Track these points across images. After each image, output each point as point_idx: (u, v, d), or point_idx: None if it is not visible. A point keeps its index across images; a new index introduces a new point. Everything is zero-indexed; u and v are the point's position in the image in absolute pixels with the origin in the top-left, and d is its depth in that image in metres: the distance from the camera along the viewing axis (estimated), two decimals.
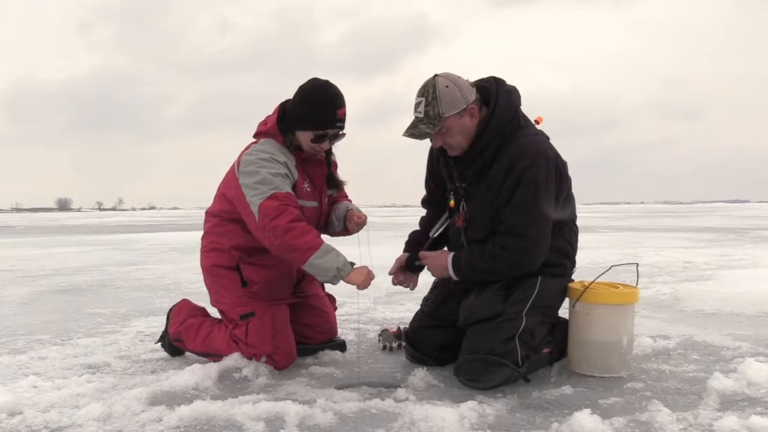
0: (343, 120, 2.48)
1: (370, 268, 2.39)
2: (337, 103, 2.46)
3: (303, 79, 2.53)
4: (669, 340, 3.05)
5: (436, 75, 2.36)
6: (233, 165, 2.57)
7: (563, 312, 2.56)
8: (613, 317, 2.41)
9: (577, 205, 2.57)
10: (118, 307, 4.29)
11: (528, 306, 2.34)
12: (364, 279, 2.35)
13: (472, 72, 2.45)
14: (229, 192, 2.53)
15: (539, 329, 2.38)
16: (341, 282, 2.36)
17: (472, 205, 2.46)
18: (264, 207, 2.35)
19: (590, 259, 6.72)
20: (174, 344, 2.79)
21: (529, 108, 2.47)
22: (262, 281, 2.59)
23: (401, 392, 2.21)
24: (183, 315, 2.79)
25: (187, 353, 2.80)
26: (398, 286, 2.69)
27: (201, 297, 3.01)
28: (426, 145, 2.59)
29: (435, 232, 2.62)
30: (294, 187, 2.50)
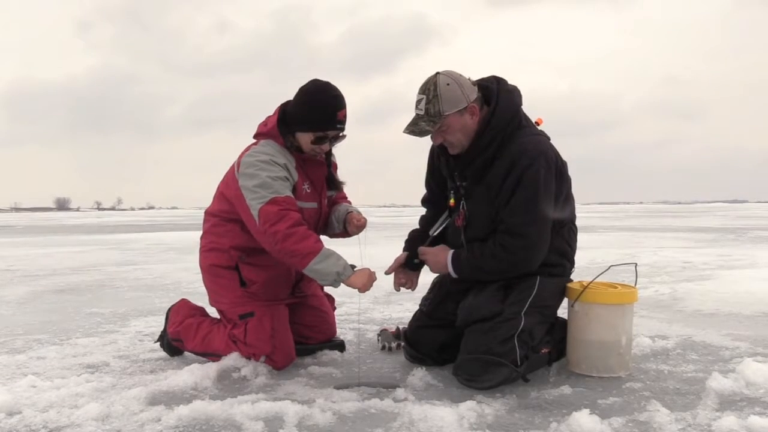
0: (343, 121, 2.47)
1: (372, 270, 2.39)
2: (338, 105, 2.46)
3: (302, 79, 2.53)
4: (668, 340, 3.05)
5: (437, 72, 2.36)
6: (233, 165, 2.57)
7: (562, 312, 2.56)
8: (611, 317, 2.42)
9: (576, 205, 2.57)
10: (117, 307, 4.28)
11: (527, 306, 2.34)
12: (365, 282, 2.37)
13: (472, 72, 2.45)
14: (229, 192, 2.53)
15: (538, 329, 2.38)
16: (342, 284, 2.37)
17: (472, 204, 2.46)
18: (264, 212, 2.35)
19: (589, 259, 6.72)
20: (173, 344, 2.79)
21: (527, 108, 2.47)
22: (261, 281, 2.59)
23: (400, 392, 2.21)
24: (182, 315, 2.79)
25: (186, 353, 2.80)
26: (401, 288, 2.69)
27: (200, 297, 3.01)
28: (426, 144, 2.59)
29: (435, 231, 2.62)
30: (294, 189, 2.50)
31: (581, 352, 2.47)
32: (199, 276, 2.76)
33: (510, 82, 2.47)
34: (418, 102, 2.35)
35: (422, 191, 2.79)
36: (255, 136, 2.58)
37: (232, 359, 2.55)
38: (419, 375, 2.40)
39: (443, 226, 2.62)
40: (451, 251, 2.47)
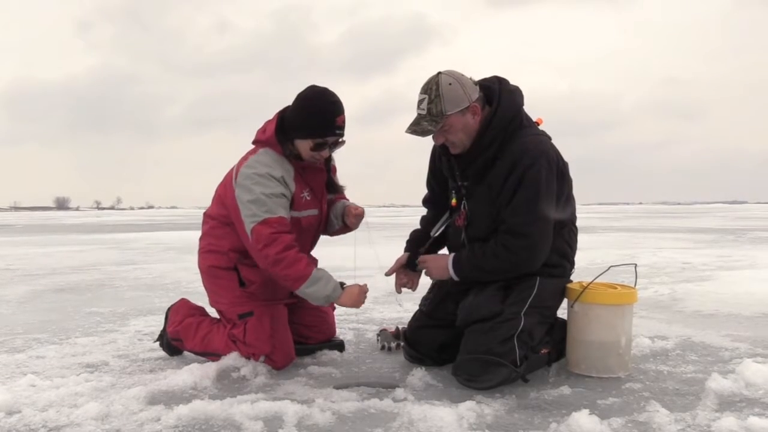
0: (342, 127, 2.45)
1: (362, 285, 2.42)
2: (336, 111, 2.44)
3: (302, 79, 2.53)
4: (667, 340, 3.05)
5: (439, 72, 2.36)
6: (231, 171, 2.56)
7: (562, 312, 2.56)
8: (611, 318, 2.42)
9: (576, 206, 2.57)
10: (116, 307, 4.28)
11: (526, 306, 2.34)
12: (354, 300, 2.43)
13: (472, 73, 2.45)
14: (227, 200, 2.53)
15: (538, 329, 2.38)
16: (340, 279, 2.38)
17: (474, 204, 2.46)
18: (256, 232, 2.38)
19: (589, 259, 6.72)
20: (172, 343, 2.79)
21: (528, 108, 2.48)
22: (260, 281, 2.59)
23: (400, 392, 2.21)
24: (181, 314, 2.79)
25: (186, 353, 2.80)
26: (403, 289, 2.69)
27: (199, 296, 3.01)
28: (427, 144, 2.59)
29: (436, 231, 2.62)
30: (292, 200, 2.49)
31: (581, 352, 2.47)
32: (199, 276, 2.76)
33: (510, 82, 2.47)
34: (420, 102, 2.35)
35: (422, 191, 2.80)
36: (254, 143, 2.57)
37: (232, 359, 2.55)
38: (419, 375, 2.40)
39: (444, 226, 2.62)
40: (452, 255, 2.48)
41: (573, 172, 2.51)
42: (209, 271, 2.67)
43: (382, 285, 2.67)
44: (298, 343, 2.69)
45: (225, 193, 2.57)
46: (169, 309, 2.89)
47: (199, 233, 2.78)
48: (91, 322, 3.74)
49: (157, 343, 2.90)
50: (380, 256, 2.64)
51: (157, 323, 3.48)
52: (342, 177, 2.81)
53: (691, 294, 4.46)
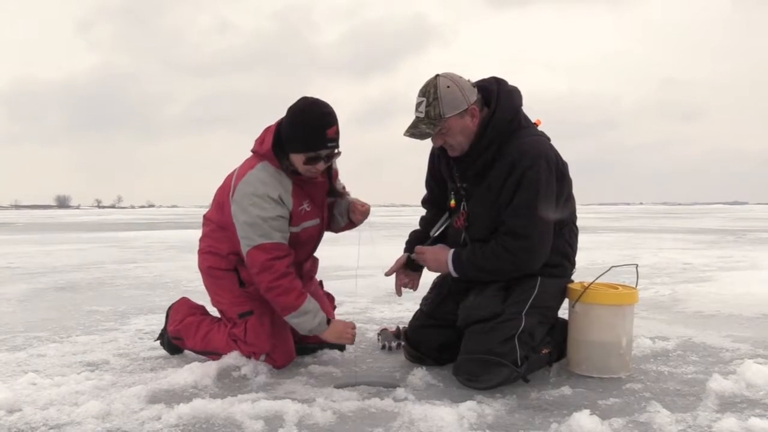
0: (335, 139, 2.41)
1: (348, 322, 2.46)
2: (327, 123, 2.39)
3: (303, 79, 2.51)
4: (668, 341, 3.05)
5: (437, 75, 2.36)
6: (230, 179, 2.54)
7: (563, 312, 2.56)
8: (612, 318, 2.42)
9: (576, 206, 2.57)
10: (117, 305, 4.29)
11: (527, 306, 2.34)
12: (338, 336, 2.48)
13: (472, 73, 2.45)
14: (225, 209, 2.53)
15: (538, 330, 2.38)
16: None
17: (473, 205, 2.46)
18: (251, 256, 2.40)
19: (589, 259, 6.72)
20: (173, 342, 2.79)
21: (527, 109, 2.47)
22: None
23: (400, 392, 2.21)
24: (182, 313, 2.79)
25: (186, 351, 2.80)
26: (403, 289, 2.69)
27: (200, 295, 3.01)
28: (426, 145, 2.59)
29: (435, 232, 2.62)
30: (290, 216, 2.48)
31: (582, 352, 2.47)
32: (199, 274, 2.76)
33: (510, 82, 2.46)
34: (419, 105, 2.35)
35: (422, 191, 2.79)
36: (252, 152, 2.55)
37: (233, 358, 2.55)
38: (419, 375, 2.40)
39: (444, 227, 2.62)
40: (452, 250, 2.47)
41: (573, 173, 2.51)
42: (209, 272, 2.67)
43: (382, 284, 2.67)
44: (298, 342, 2.69)
45: (224, 202, 2.56)
46: (169, 308, 2.89)
47: (199, 232, 2.78)
48: (92, 320, 3.74)
49: (158, 341, 2.90)
50: (382, 255, 2.64)
51: (157, 322, 3.49)
52: (342, 177, 2.81)
53: (692, 294, 4.46)
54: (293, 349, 2.65)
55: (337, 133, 2.41)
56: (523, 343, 2.30)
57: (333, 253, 3.38)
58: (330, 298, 3.01)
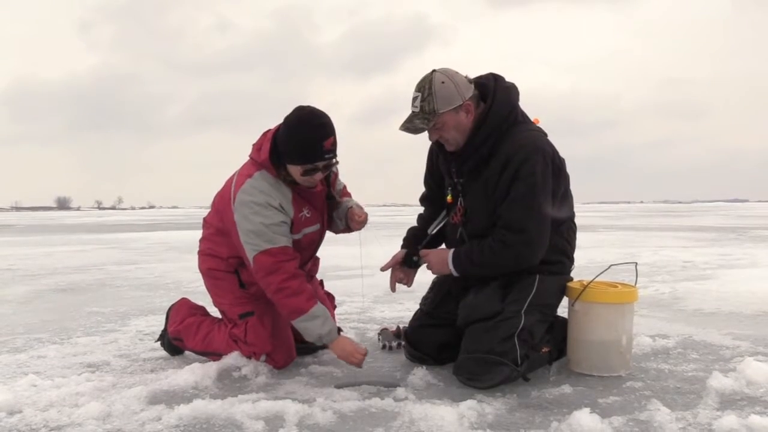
0: (331, 150, 2.38)
1: (359, 343, 2.41)
2: (323, 135, 2.36)
3: (303, 79, 2.50)
4: (668, 339, 3.05)
5: (433, 70, 2.37)
6: (229, 185, 2.53)
7: (562, 311, 2.56)
8: (612, 316, 2.42)
9: (577, 205, 2.57)
10: (117, 306, 4.29)
11: (526, 305, 2.34)
12: (347, 353, 2.40)
13: (472, 73, 2.45)
14: (225, 217, 2.52)
15: (538, 328, 2.38)
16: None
17: (470, 201, 2.46)
18: (258, 261, 2.38)
19: (589, 258, 6.72)
20: (173, 343, 2.79)
21: (528, 108, 2.47)
22: None
23: (401, 391, 2.21)
24: (182, 314, 2.79)
25: (187, 352, 2.80)
26: (398, 284, 2.69)
27: (200, 296, 3.02)
28: (425, 144, 2.59)
29: (433, 230, 2.62)
30: (291, 223, 2.48)
31: (582, 351, 2.47)
32: (200, 275, 2.76)
33: (510, 80, 2.46)
34: (414, 99, 2.36)
35: (421, 190, 2.79)
36: (250, 158, 2.53)
37: (233, 358, 2.55)
38: (420, 374, 2.40)
39: (441, 224, 2.62)
40: (452, 250, 2.47)
41: (574, 172, 2.51)
42: (209, 273, 2.68)
43: (383, 284, 2.67)
44: (298, 342, 2.69)
45: (223, 208, 2.54)
46: (169, 308, 2.89)
47: (199, 233, 2.78)
48: (92, 321, 3.74)
49: (158, 342, 2.90)
50: (382, 255, 2.64)
51: (158, 323, 3.48)
52: (342, 176, 2.80)
53: (692, 292, 4.46)
54: (294, 350, 2.66)
55: (334, 144, 2.38)
56: (522, 341, 2.30)
57: (333, 252, 3.38)
58: (330, 297, 3.01)
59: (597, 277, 2.50)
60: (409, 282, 2.69)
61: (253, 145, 2.53)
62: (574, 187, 2.53)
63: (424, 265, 2.60)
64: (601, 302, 2.41)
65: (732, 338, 3.08)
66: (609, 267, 2.53)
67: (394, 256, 2.67)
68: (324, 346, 2.81)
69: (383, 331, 3.00)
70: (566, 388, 2.26)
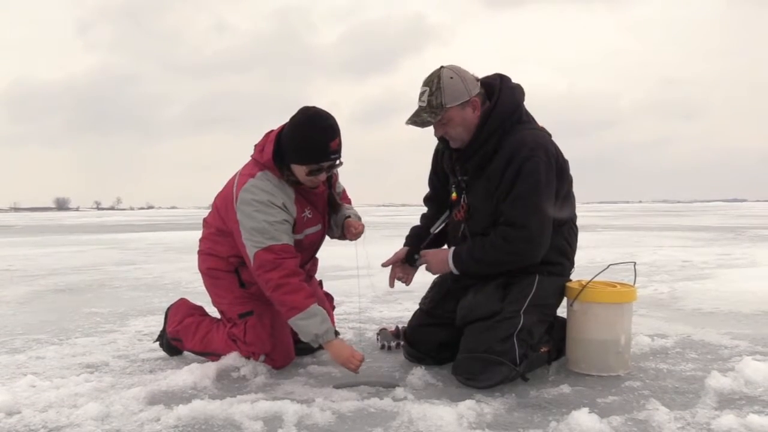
0: (337, 150, 2.40)
1: (357, 351, 2.38)
2: (329, 135, 2.38)
3: (302, 79, 2.51)
4: (667, 338, 3.05)
5: (442, 66, 2.39)
6: (231, 185, 2.53)
7: (561, 311, 2.56)
8: (611, 316, 2.42)
9: (576, 204, 2.57)
10: (116, 307, 4.28)
11: (526, 305, 2.34)
12: (343, 359, 2.36)
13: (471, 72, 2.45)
14: (227, 216, 2.52)
15: (537, 328, 2.39)
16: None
17: (473, 198, 2.47)
18: (259, 258, 2.37)
19: (588, 257, 6.72)
20: (172, 343, 2.79)
21: (528, 108, 2.48)
22: None
23: (399, 391, 2.21)
24: (181, 314, 2.79)
25: (186, 352, 2.80)
26: (397, 281, 2.68)
27: (199, 296, 3.01)
28: (429, 144, 2.60)
29: (436, 229, 2.63)
30: (293, 224, 2.48)
31: (580, 351, 2.47)
32: (199, 276, 2.76)
33: (515, 81, 2.48)
34: (421, 94, 2.38)
35: (421, 191, 2.80)
36: (253, 159, 2.54)
37: (232, 359, 2.55)
38: (418, 374, 2.40)
39: (444, 224, 2.62)
40: (452, 249, 2.48)
41: (573, 172, 2.51)
42: (209, 273, 2.68)
43: (382, 284, 2.67)
44: (297, 342, 2.69)
45: (225, 209, 2.55)
46: (168, 309, 2.89)
47: (198, 233, 2.78)
48: (91, 322, 3.74)
49: (157, 343, 2.90)
50: (381, 255, 2.64)
51: (156, 323, 3.48)
52: (341, 177, 2.81)
53: (691, 292, 4.46)
54: (293, 350, 2.66)
55: (339, 144, 2.40)
56: (521, 341, 2.30)
57: (331, 253, 3.38)
58: (329, 297, 3.01)
59: (596, 276, 2.50)
60: (407, 280, 2.69)
61: (255, 145, 2.53)
62: (574, 187, 2.53)
63: (424, 266, 2.60)
64: (600, 302, 2.41)
65: (730, 338, 3.08)
66: (608, 267, 2.53)
67: (396, 253, 2.68)
68: (321, 347, 2.82)
69: (382, 331, 3.00)
70: (565, 388, 2.26)
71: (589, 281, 2.48)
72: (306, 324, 2.35)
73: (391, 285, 2.70)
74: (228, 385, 2.39)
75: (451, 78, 2.35)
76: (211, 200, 2.77)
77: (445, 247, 2.65)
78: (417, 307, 2.76)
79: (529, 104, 2.48)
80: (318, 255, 2.86)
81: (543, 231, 2.34)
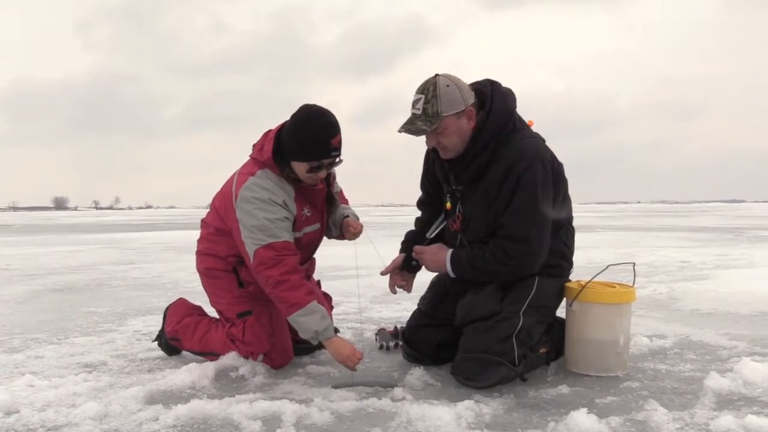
0: (338, 148, 2.41)
1: (357, 349, 2.38)
2: (331, 132, 2.39)
3: (300, 80, 2.51)
4: (665, 339, 3.05)
5: (437, 74, 2.35)
6: (230, 184, 2.53)
7: (560, 311, 2.56)
8: (609, 316, 2.42)
9: (574, 205, 2.57)
10: (114, 306, 4.28)
11: (525, 306, 2.34)
12: (344, 356, 2.35)
13: (469, 73, 2.45)
14: (226, 216, 2.52)
15: (536, 329, 2.38)
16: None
17: (469, 208, 2.45)
18: (259, 255, 2.37)
19: (587, 258, 6.73)
20: (171, 343, 2.79)
21: (525, 109, 2.47)
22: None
23: (398, 391, 2.21)
24: (180, 314, 2.79)
25: (184, 352, 2.80)
26: (398, 289, 2.69)
27: (198, 296, 3.01)
28: (423, 145, 2.59)
29: (432, 234, 2.61)
30: (293, 222, 2.49)
31: (579, 351, 2.47)
32: (197, 275, 2.75)
33: (506, 82, 2.46)
34: (416, 102, 2.34)
35: (419, 193, 2.78)
36: (252, 159, 2.54)
37: (230, 358, 2.55)
38: (417, 374, 2.40)
39: (440, 228, 2.61)
40: (450, 250, 2.47)
41: (572, 172, 2.50)
42: (207, 272, 2.67)
43: (380, 284, 2.66)
44: (296, 342, 2.69)
45: (224, 208, 2.54)
46: (167, 309, 2.89)
47: (197, 233, 2.78)
48: (90, 321, 3.74)
49: (156, 342, 2.90)
50: (380, 255, 2.65)
51: (155, 323, 3.48)
52: (340, 176, 2.81)
53: (690, 293, 4.47)
54: (291, 350, 2.66)
55: (340, 142, 2.41)
56: (520, 342, 2.30)
57: (330, 252, 3.38)
58: (328, 297, 3.01)
59: (595, 277, 2.51)
60: (408, 288, 2.69)
61: (254, 145, 2.54)
62: (572, 188, 2.53)
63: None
64: (599, 302, 2.41)
65: (729, 338, 3.08)
66: (607, 267, 2.54)
67: (393, 261, 2.67)
68: (320, 346, 2.81)
69: (381, 332, 3.00)
70: (564, 388, 2.26)
71: (588, 282, 2.49)
72: (306, 321, 2.35)
73: (393, 292, 2.70)
74: (226, 384, 2.39)
75: (448, 86, 2.31)
76: (209, 200, 2.77)
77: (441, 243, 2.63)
78: (415, 307, 2.75)
79: (528, 105, 2.48)
80: (317, 255, 2.86)
81: (542, 244, 2.34)
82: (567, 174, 2.49)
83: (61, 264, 7.48)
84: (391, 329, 2.98)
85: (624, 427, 1.91)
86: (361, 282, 2.61)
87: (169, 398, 2.20)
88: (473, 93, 2.38)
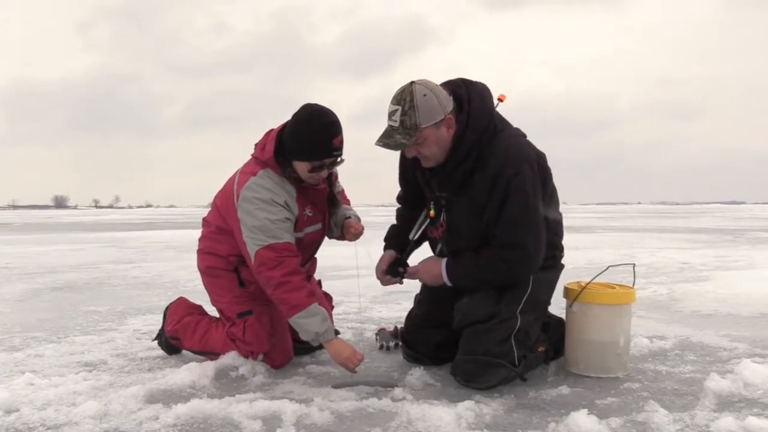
0: (339, 147, 2.40)
1: (358, 351, 2.37)
2: (333, 132, 2.38)
3: (300, 80, 2.50)
4: (666, 340, 3.05)
5: (412, 82, 2.24)
6: (231, 183, 2.53)
7: (560, 312, 2.56)
8: (610, 318, 2.42)
9: (574, 206, 2.57)
10: (114, 305, 4.28)
11: (522, 304, 2.33)
12: (344, 358, 2.35)
13: (470, 73, 2.42)
14: (227, 215, 2.52)
15: (533, 328, 2.38)
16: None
17: (454, 216, 2.40)
18: (260, 255, 2.37)
19: (587, 259, 6.73)
20: (171, 342, 2.79)
21: (525, 108, 2.46)
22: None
23: (398, 391, 2.21)
24: (180, 313, 2.79)
25: (184, 351, 2.80)
26: (389, 285, 2.65)
27: (198, 295, 3.01)
28: None
29: (414, 235, 2.55)
30: (295, 222, 2.48)
31: (579, 352, 2.47)
32: (197, 274, 2.75)
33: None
34: (392, 113, 2.23)
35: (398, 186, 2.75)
36: (254, 158, 2.53)
37: (230, 358, 2.55)
38: (417, 374, 2.40)
39: (422, 228, 2.53)
40: (444, 261, 2.42)
41: (571, 172, 2.54)
42: (208, 271, 2.67)
43: (380, 285, 2.66)
44: (296, 341, 2.69)
45: (225, 207, 2.54)
46: (167, 308, 2.89)
47: (197, 232, 2.78)
48: (90, 320, 3.74)
49: (156, 341, 2.90)
50: (380, 255, 2.64)
51: (155, 322, 3.48)
52: (340, 177, 2.80)
53: (690, 294, 4.47)
54: (291, 349, 2.66)
55: (341, 141, 2.40)
56: (519, 342, 2.30)
57: (330, 252, 3.38)
58: (328, 297, 3.01)
59: (595, 278, 2.51)
60: (399, 282, 2.64)
61: (256, 144, 2.54)
62: (571, 188, 2.55)
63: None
64: (599, 303, 2.41)
65: (729, 340, 3.08)
66: (607, 268, 2.54)
67: (379, 262, 2.59)
68: (321, 346, 2.81)
69: (381, 332, 3.00)
70: (564, 389, 2.26)
71: (589, 283, 2.49)
72: (307, 322, 2.35)
73: (384, 284, 2.63)
74: (227, 384, 2.39)
75: (425, 95, 2.19)
76: (209, 199, 2.77)
77: (431, 254, 2.57)
78: (413, 307, 2.74)
79: (528, 105, 2.47)
80: (317, 255, 2.86)
81: (538, 247, 2.30)
82: (567, 175, 2.51)
83: (61, 263, 7.48)
84: (391, 329, 2.98)
85: (624, 428, 1.90)
86: (361, 282, 2.60)
87: (169, 397, 2.20)
88: (451, 98, 2.28)
